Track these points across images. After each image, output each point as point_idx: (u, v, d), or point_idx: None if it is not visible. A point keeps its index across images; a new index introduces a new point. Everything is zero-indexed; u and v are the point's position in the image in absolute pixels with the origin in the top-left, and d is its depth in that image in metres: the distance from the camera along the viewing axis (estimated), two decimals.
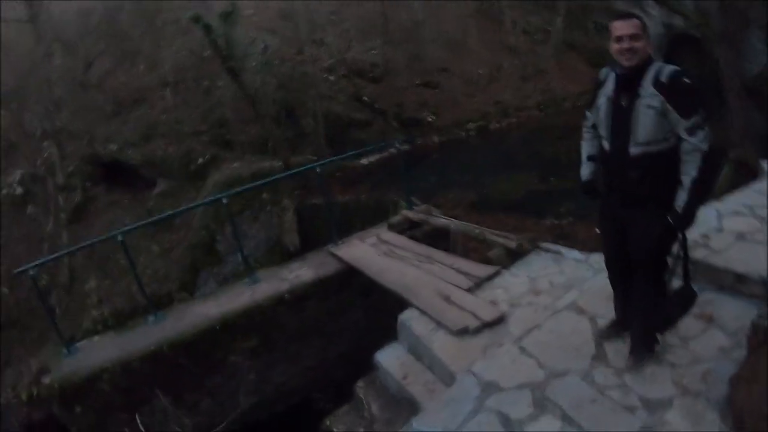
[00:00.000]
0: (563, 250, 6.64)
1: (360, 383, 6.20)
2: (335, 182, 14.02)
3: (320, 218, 11.28)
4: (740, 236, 5.22)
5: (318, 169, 8.67)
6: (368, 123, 16.47)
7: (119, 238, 7.42)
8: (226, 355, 7.43)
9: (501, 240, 6.96)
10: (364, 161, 14.90)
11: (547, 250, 6.72)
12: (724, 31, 10.25)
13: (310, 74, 16.36)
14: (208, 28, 13.36)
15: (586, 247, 6.79)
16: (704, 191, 3.59)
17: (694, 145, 3.31)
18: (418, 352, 5.76)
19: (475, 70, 19.09)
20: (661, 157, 3.46)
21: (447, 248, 7.93)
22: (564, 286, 5.77)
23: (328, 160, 10.69)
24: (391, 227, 8.74)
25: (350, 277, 7.83)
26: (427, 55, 18.72)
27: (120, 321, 10.49)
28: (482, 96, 18.59)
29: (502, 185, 13.09)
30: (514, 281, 6.27)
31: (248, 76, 14.41)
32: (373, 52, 17.73)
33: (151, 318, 7.74)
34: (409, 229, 8.69)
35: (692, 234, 4.60)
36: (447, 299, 6.14)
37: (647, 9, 17.43)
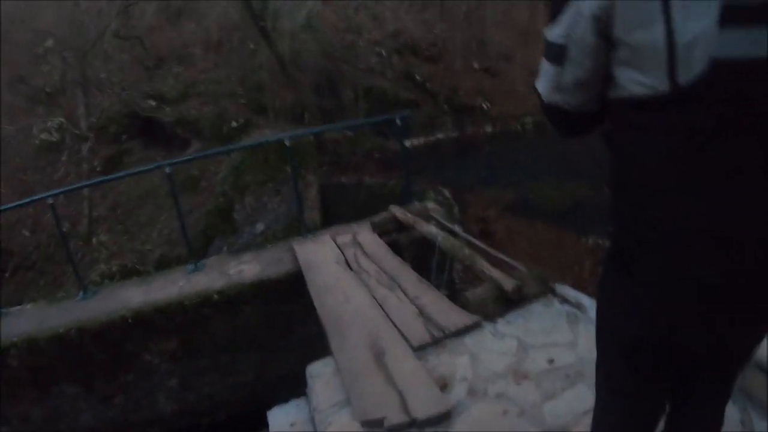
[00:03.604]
0: (585, 301, 4.06)
1: None
2: (370, 162, 12.54)
3: (346, 198, 9.97)
4: None
5: (287, 142, 6.61)
6: (416, 103, 14.12)
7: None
8: (140, 353, 5.98)
9: (494, 275, 4.34)
10: (408, 144, 13.32)
11: (563, 300, 4.15)
12: None
13: (357, 45, 14.57)
14: None
15: None
16: None
17: None
18: (317, 422, 3.47)
19: (540, 60, 16.75)
20: None
21: (437, 267, 5.56)
22: (570, 374, 3.31)
23: (301, 132, 9.05)
24: (375, 226, 6.38)
25: (304, 283, 5.46)
26: (489, 39, 15.84)
27: (126, 277, 9.50)
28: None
29: (548, 190, 10.70)
30: (493, 346, 3.73)
31: (286, 40, 12.97)
32: (432, 30, 15.94)
33: (80, 294, 6.29)
34: (395, 231, 6.38)
35: None
36: (378, 358, 3.70)
37: None
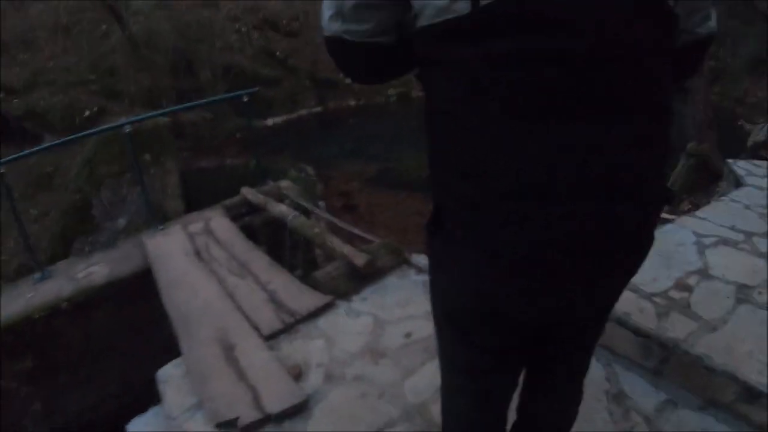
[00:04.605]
0: None
1: None
2: (233, 144, 12.10)
3: (208, 183, 9.53)
4: (743, 290, 2.88)
5: (127, 128, 6.06)
6: (278, 80, 13.71)
7: None
8: None
9: (345, 251, 4.18)
10: (269, 122, 12.92)
11: (419, 270, 4.04)
12: None
13: (213, 21, 13.84)
14: None
15: None
16: None
17: None
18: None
19: None
20: None
21: (291, 248, 5.42)
22: (429, 347, 3.22)
23: (142, 116, 8.18)
24: (227, 211, 6.06)
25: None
26: None
27: None
28: None
29: (410, 160, 10.44)
30: (348, 325, 3.59)
31: (139, 19, 12.26)
32: (292, 4, 15.50)
33: None
34: (247, 214, 6.09)
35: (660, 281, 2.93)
36: (228, 353, 3.48)
37: None
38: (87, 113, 12.44)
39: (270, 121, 12.59)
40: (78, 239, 10.26)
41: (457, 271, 1.26)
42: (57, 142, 7.66)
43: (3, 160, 5.98)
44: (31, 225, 11.24)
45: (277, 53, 14.50)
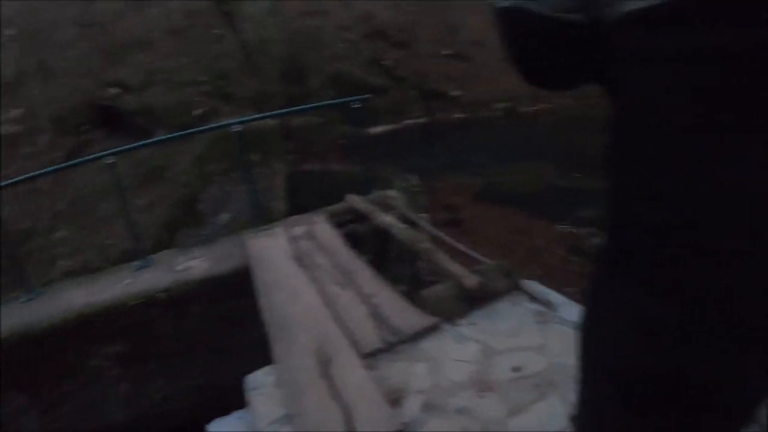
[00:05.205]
0: (556, 298, 3.57)
1: None
2: (337, 150, 12.03)
3: (312, 187, 9.56)
4: None
5: (238, 128, 6.23)
6: (384, 90, 13.78)
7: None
8: (85, 358, 5.43)
9: (454, 270, 3.84)
10: (375, 130, 12.80)
11: (533, 298, 3.65)
12: None
13: (322, 30, 13.94)
14: None
15: None
16: None
17: None
18: None
19: None
20: None
21: (396, 261, 5.18)
22: (540, 383, 2.86)
23: (252, 117, 8.25)
24: (331, 217, 5.87)
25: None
26: (460, 24, 15.63)
27: (88, 272, 9.02)
28: (515, 76, 15.82)
29: (517, 175, 10.28)
30: (454, 351, 3.24)
31: (251, 26, 12.44)
32: (401, 14, 15.39)
33: (24, 296, 5.79)
34: (352, 221, 5.83)
35: None
36: (324, 366, 3.21)
37: None
38: (198, 112, 12.68)
39: (375, 130, 12.43)
40: (182, 231, 10.50)
41: (640, 324, 0.91)
42: (169, 136, 7.91)
43: (114, 150, 6.09)
44: (139, 214, 11.57)
45: (385, 63, 14.36)
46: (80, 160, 7.52)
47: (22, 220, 10.67)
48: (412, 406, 2.85)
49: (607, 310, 1.01)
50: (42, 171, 7.71)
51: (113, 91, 13.86)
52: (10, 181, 6.80)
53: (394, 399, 2.89)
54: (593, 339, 1.09)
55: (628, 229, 0.90)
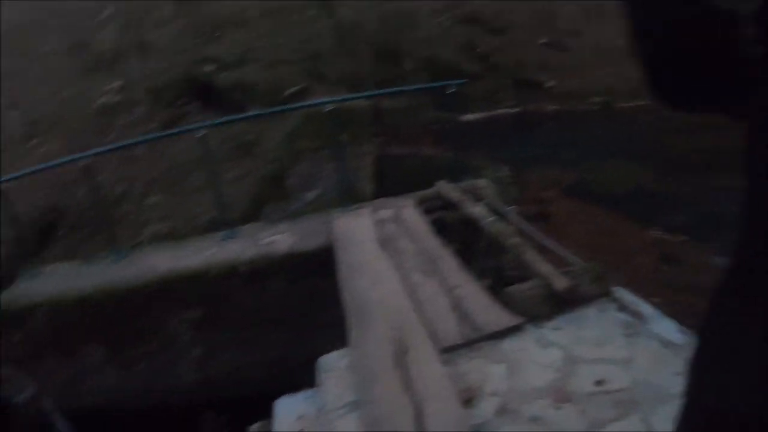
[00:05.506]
0: (646, 310, 3.30)
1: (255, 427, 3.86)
2: (428, 135, 11.92)
3: (400, 171, 9.76)
4: None
5: (330, 107, 6.34)
6: (478, 77, 13.52)
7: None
8: (164, 321, 5.71)
9: (543, 270, 3.69)
10: (467, 117, 12.63)
11: (622, 307, 3.38)
12: None
13: (415, 13, 13.79)
14: None
15: (692, 304, 3.45)
16: None
17: None
18: (321, 424, 3.04)
19: (612, 39, 15.70)
20: None
21: (484, 253, 4.82)
22: (622, 400, 2.65)
23: (345, 97, 8.32)
24: (419, 202, 5.73)
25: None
26: (557, 12, 15.16)
27: (175, 238, 9.40)
28: (614, 69, 15.16)
29: (611, 173, 9.90)
30: (535, 355, 3.08)
31: (346, 7, 12.48)
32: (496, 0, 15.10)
33: (111, 256, 6.11)
34: (441, 209, 5.65)
35: None
36: (400, 356, 3.12)
37: None
38: (291, 90, 12.84)
39: (468, 117, 12.24)
40: (269, 206, 10.69)
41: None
42: (262, 112, 8.04)
43: (207, 123, 6.21)
44: (228, 186, 11.86)
45: (479, 49, 14.09)
46: (174, 131, 7.70)
47: (117, 185, 11.12)
48: (485, 408, 2.74)
49: (731, 346, 0.87)
50: (137, 140, 7.96)
51: (209, 67, 14.21)
52: (107, 147, 7.07)
53: (468, 399, 2.79)
54: (708, 377, 0.95)
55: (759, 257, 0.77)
